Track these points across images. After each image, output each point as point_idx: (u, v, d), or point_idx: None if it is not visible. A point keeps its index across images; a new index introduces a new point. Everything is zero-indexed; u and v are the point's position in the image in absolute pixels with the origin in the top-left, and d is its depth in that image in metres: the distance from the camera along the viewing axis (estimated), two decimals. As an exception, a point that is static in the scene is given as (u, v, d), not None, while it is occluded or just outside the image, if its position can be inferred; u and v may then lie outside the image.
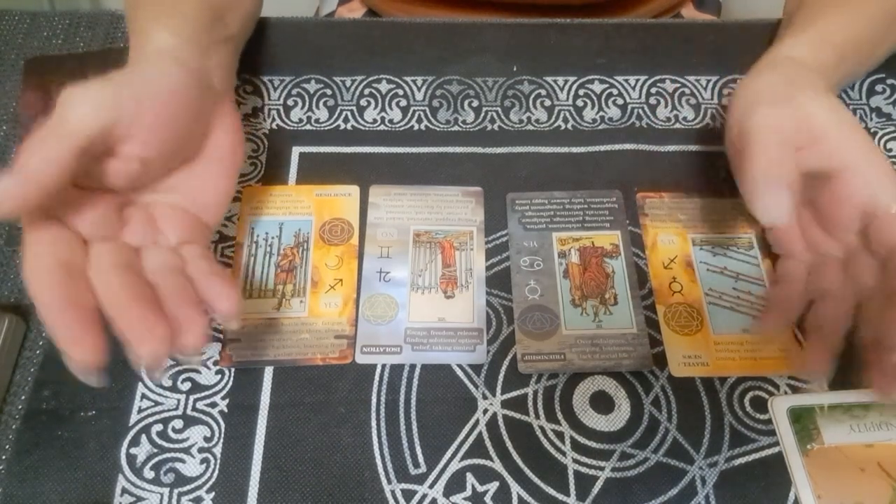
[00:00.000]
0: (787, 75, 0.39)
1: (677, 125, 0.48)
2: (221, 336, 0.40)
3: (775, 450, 0.37)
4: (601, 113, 0.49)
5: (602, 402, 0.38)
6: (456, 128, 0.48)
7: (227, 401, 0.38)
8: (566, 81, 0.50)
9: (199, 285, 0.33)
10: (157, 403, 0.38)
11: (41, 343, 0.39)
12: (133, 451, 0.36)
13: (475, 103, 0.49)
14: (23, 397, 0.38)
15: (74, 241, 0.32)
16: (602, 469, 0.37)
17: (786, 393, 0.39)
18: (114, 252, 0.32)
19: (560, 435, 0.37)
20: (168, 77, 0.35)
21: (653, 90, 0.50)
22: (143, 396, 0.38)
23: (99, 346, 0.29)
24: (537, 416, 0.38)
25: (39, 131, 0.31)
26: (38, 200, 0.30)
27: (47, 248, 0.31)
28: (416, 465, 0.37)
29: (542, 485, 0.36)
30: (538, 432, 0.38)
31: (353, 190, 0.45)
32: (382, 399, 0.38)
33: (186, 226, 0.36)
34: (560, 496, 0.36)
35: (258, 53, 0.50)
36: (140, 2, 0.40)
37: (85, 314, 0.29)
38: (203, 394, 0.38)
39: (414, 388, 0.39)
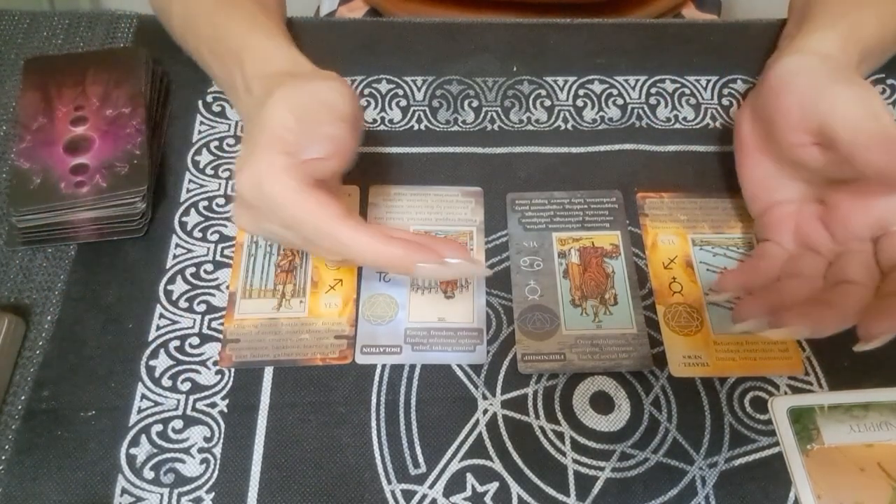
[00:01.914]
0: (827, 65, 0.39)
1: (677, 125, 0.48)
2: (221, 336, 0.40)
3: (775, 450, 0.37)
4: (601, 113, 0.49)
5: (602, 403, 0.38)
6: (456, 128, 0.48)
7: (226, 401, 0.38)
8: (566, 81, 0.50)
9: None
10: (156, 403, 0.38)
11: (41, 343, 0.39)
12: (133, 451, 0.36)
13: (475, 103, 0.49)
14: (23, 397, 0.38)
15: None
16: (602, 469, 0.37)
17: (786, 393, 0.39)
18: None
19: (560, 435, 0.37)
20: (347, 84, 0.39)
21: (653, 90, 0.50)
22: (143, 396, 0.38)
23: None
24: (537, 417, 0.38)
25: (310, 115, 0.34)
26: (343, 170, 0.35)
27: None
28: (416, 466, 0.37)
29: (542, 485, 0.36)
30: (538, 432, 0.38)
31: (353, 190, 0.45)
32: (382, 399, 0.38)
33: None
34: (560, 496, 0.36)
35: (258, 53, 0.50)
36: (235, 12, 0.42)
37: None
38: (203, 394, 0.38)
39: (414, 389, 0.39)
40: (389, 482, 0.36)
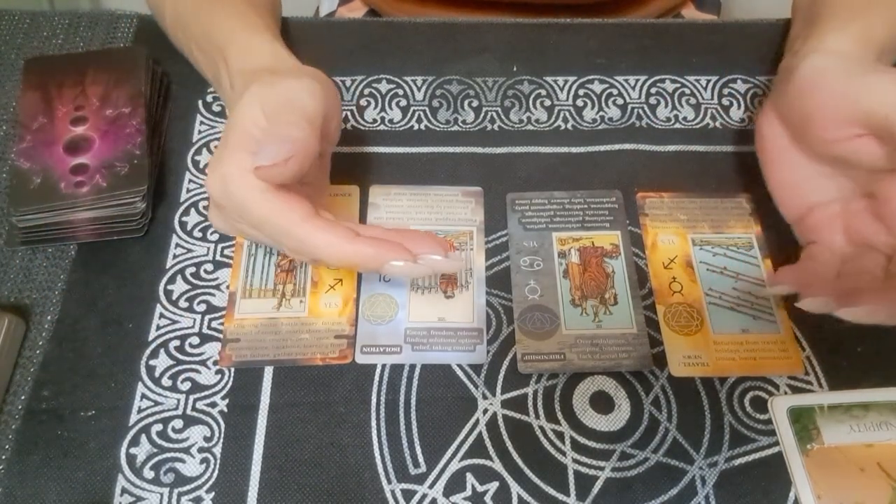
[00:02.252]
0: (851, 61, 0.38)
1: (677, 125, 0.48)
2: (221, 336, 0.40)
3: (775, 450, 0.37)
4: (601, 113, 0.49)
5: (602, 402, 0.38)
6: (456, 128, 0.48)
7: (226, 401, 0.38)
8: (566, 81, 0.50)
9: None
10: (156, 403, 0.38)
11: (41, 343, 0.39)
12: (133, 450, 0.36)
13: (475, 103, 0.49)
14: (23, 397, 0.38)
15: None
16: (602, 469, 0.37)
17: (786, 393, 0.39)
18: None
19: (560, 435, 0.37)
20: (330, 82, 0.38)
21: (653, 90, 0.50)
22: (143, 396, 0.38)
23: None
24: (537, 416, 0.38)
25: (277, 115, 0.34)
26: (302, 172, 0.33)
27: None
28: (416, 465, 0.37)
29: (542, 485, 0.36)
30: (538, 432, 0.38)
31: (353, 190, 0.45)
32: (382, 399, 0.38)
33: None
34: (560, 496, 0.36)
35: (258, 53, 0.50)
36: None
37: None
38: (203, 394, 0.38)
39: (414, 388, 0.39)
40: (389, 482, 0.36)
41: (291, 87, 0.35)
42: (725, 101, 0.49)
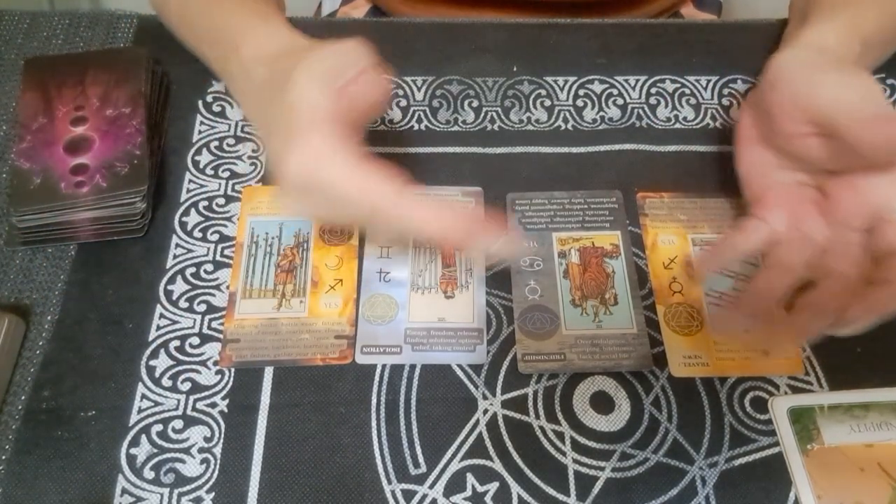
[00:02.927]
0: (823, 57, 0.39)
1: (677, 125, 0.48)
2: (222, 336, 0.40)
3: (775, 450, 0.37)
4: (601, 113, 0.49)
5: (602, 402, 0.38)
6: (456, 128, 0.48)
7: (227, 401, 0.38)
8: (566, 81, 0.50)
9: None
10: (157, 403, 0.38)
11: (41, 343, 0.39)
12: (133, 451, 0.36)
13: (475, 103, 0.49)
14: (23, 397, 0.38)
15: None
16: (602, 469, 0.37)
17: (786, 393, 0.39)
18: None
19: (560, 435, 0.37)
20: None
21: (653, 90, 0.50)
22: (143, 396, 0.38)
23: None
24: (537, 417, 0.38)
25: (336, 71, 0.33)
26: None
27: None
28: (417, 466, 0.37)
29: (542, 485, 0.36)
30: (538, 432, 0.38)
31: (353, 190, 0.45)
32: (382, 399, 0.38)
33: None
34: (560, 496, 0.36)
35: (258, 53, 0.49)
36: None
37: None
38: (203, 394, 0.38)
39: (414, 389, 0.39)
40: (389, 482, 0.36)
41: (335, 50, 0.34)
42: (725, 101, 0.49)
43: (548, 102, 0.49)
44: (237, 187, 0.45)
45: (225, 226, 0.43)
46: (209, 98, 0.49)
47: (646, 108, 0.49)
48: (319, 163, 0.32)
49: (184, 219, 0.44)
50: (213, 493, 0.35)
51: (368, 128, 0.47)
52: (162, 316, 0.40)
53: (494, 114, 0.49)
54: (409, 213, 0.32)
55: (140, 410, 0.37)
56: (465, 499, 0.36)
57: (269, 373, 0.39)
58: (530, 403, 0.38)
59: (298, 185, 0.32)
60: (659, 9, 0.65)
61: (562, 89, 0.50)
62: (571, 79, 0.50)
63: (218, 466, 0.36)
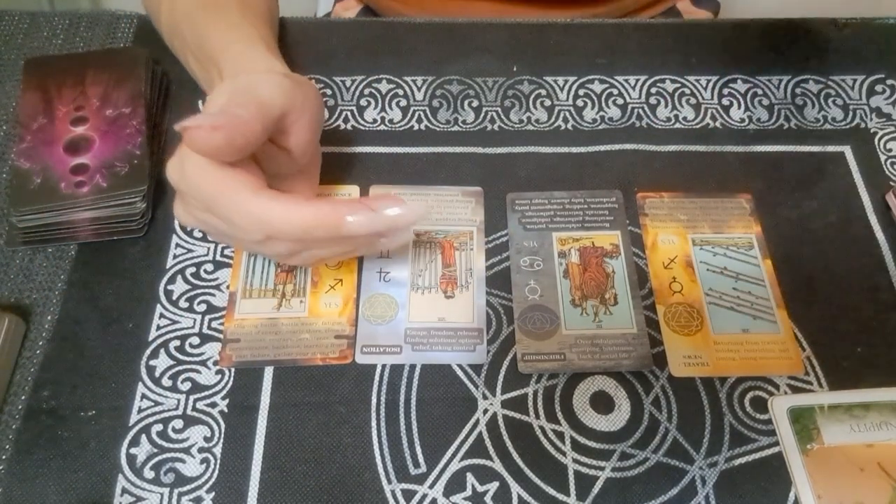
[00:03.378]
0: None
1: (677, 125, 0.48)
2: (222, 336, 0.40)
3: (775, 450, 0.37)
4: (601, 113, 0.49)
5: (602, 402, 0.38)
6: (456, 128, 0.48)
7: (227, 401, 0.38)
8: (566, 81, 0.50)
9: None
10: (157, 403, 0.38)
11: (41, 343, 0.39)
12: (133, 451, 0.36)
13: (475, 103, 0.49)
14: (23, 397, 0.38)
15: None
16: (602, 469, 0.37)
17: (786, 393, 0.39)
18: None
19: (560, 435, 0.37)
20: (314, 88, 0.38)
21: (653, 90, 0.50)
22: (143, 396, 0.38)
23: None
24: (537, 416, 0.38)
25: (233, 97, 0.33)
26: (239, 149, 0.32)
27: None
28: (416, 465, 0.37)
29: (542, 485, 0.36)
30: (538, 432, 0.38)
31: (353, 190, 0.45)
32: (382, 399, 0.38)
33: None
34: (560, 496, 0.36)
35: (258, 53, 0.49)
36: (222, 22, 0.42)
37: None
38: (203, 394, 0.38)
39: (414, 388, 0.39)
40: (389, 482, 0.36)
41: (256, 78, 0.35)
42: (725, 101, 0.49)
43: (548, 102, 0.49)
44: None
45: (225, 226, 0.43)
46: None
47: (646, 108, 0.49)
48: (188, 159, 0.33)
49: (184, 219, 0.44)
50: (213, 493, 0.35)
51: (368, 128, 0.47)
52: (162, 316, 0.40)
53: (494, 114, 0.49)
54: (261, 209, 0.32)
55: (140, 410, 0.37)
56: (465, 499, 0.36)
57: (269, 373, 0.39)
58: (530, 403, 0.38)
59: (175, 185, 0.34)
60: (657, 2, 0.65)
61: (562, 89, 0.50)
62: (571, 79, 0.50)
63: (218, 466, 0.36)
